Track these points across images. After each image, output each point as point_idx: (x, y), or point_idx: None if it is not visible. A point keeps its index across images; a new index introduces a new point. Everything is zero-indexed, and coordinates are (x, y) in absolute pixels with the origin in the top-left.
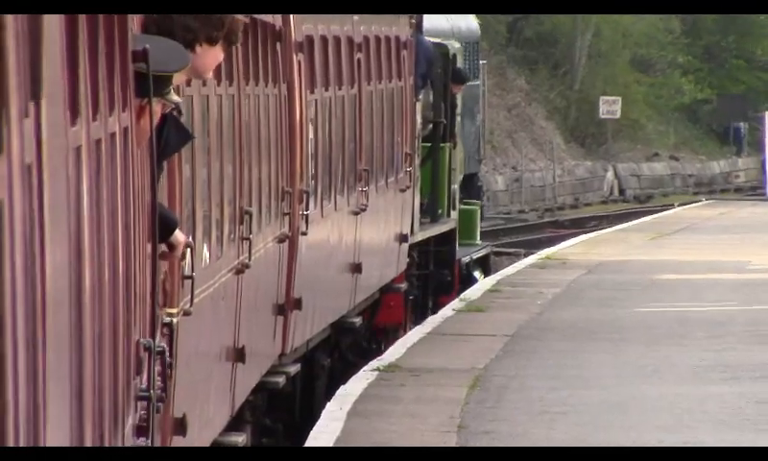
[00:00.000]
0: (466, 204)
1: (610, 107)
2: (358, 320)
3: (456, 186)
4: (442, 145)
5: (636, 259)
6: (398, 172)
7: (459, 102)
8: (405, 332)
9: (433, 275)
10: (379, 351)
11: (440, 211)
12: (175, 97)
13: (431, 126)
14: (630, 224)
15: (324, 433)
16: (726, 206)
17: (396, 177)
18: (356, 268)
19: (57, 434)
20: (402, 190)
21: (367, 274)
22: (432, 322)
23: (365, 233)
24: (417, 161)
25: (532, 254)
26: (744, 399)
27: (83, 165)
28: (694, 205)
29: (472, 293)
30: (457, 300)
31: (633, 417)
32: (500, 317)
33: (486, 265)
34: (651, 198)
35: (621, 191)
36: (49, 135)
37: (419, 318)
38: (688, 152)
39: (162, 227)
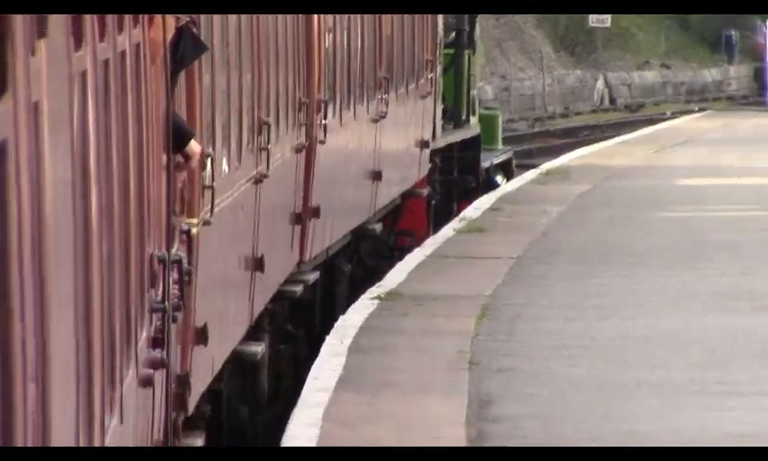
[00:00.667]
0: (486, 108)
1: (599, 15)
2: (378, 226)
3: (475, 92)
4: (462, 52)
5: (643, 172)
6: (420, 79)
7: None
8: (430, 236)
9: (456, 180)
10: (402, 258)
11: (460, 117)
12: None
13: (453, 33)
14: (631, 136)
15: (325, 371)
16: (726, 117)
17: (416, 83)
18: (376, 175)
19: (62, 356)
20: (423, 97)
21: (387, 180)
22: (433, 243)
23: (385, 141)
24: (438, 69)
25: (527, 165)
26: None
27: (88, 88)
28: (693, 116)
29: (473, 212)
30: (456, 219)
31: (658, 353)
32: (503, 238)
33: (508, 170)
34: (642, 107)
35: (612, 100)
36: (51, 65)
37: (443, 223)
38: (679, 60)
39: (178, 137)
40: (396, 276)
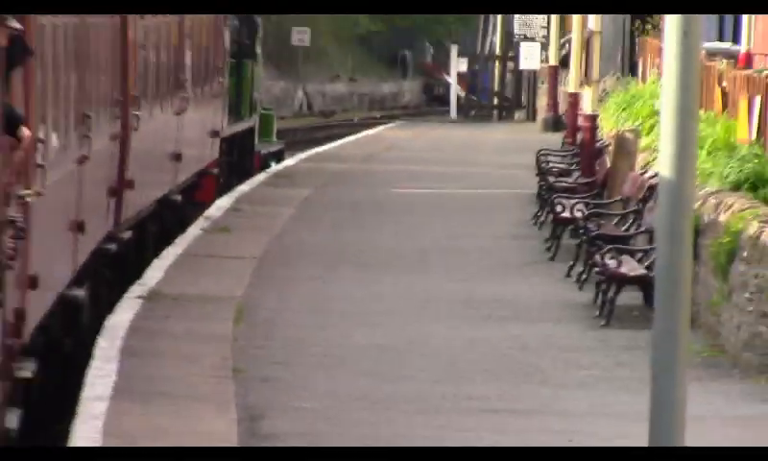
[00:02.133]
0: (265, 109)
1: (300, 36)
2: (179, 197)
3: (257, 94)
4: (244, 61)
5: (361, 177)
6: (212, 82)
7: (260, 29)
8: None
9: (236, 163)
10: (196, 219)
11: (243, 113)
12: (16, 24)
13: (236, 46)
14: (340, 143)
15: (100, 377)
16: (418, 127)
17: (210, 85)
18: (177, 157)
19: None
20: (215, 96)
21: (186, 161)
22: (182, 242)
23: (185, 130)
24: (226, 74)
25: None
26: (507, 343)
27: None
28: (388, 126)
29: (215, 210)
30: (202, 217)
31: (409, 364)
32: (246, 238)
33: (281, 158)
34: (334, 113)
35: (309, 106)
36: None
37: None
38: (364, 75)
39: (10, 123)
40: (153, 273)
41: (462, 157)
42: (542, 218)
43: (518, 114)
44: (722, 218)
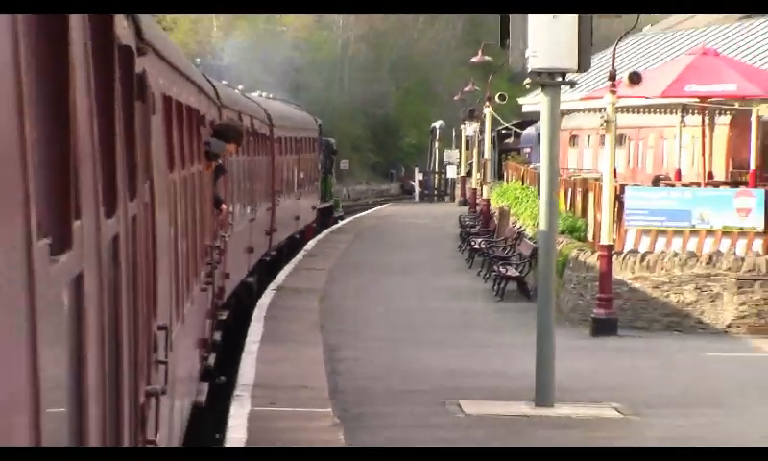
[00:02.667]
0: (335, 196)
1: (344, 164)
2: (297, 236)
3: (333, 189)
4: (327, 175)
5: (377, 225)
6: (313, 184)
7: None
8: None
9: (323, 221)
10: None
11: (326, 198)
12: (219, 161)
13: (321, 167)
14: (365, 213)
15: (255, 330)
16: (399, 205)
17: (312, 185)
18: (297, 218)
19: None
20: (313, 191)
21: (301, 220)
22: (294, 260)
23: (300, 206)
24: (319, 180)
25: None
26: (450, 310)
27: (178, 190)
28: (386, 205)
29: (311, 245)
30: (304, 249)
31: (405, 321)
32: (323, 259)
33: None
34: (359, 199)
35: (349, 196)
36: (158, 179)
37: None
38: (373, 181)
39: (217, 203)
40: (282, 276)
41: (421, 215)
42: (463, 247)
43: (447, 198)
44: (559, 247)
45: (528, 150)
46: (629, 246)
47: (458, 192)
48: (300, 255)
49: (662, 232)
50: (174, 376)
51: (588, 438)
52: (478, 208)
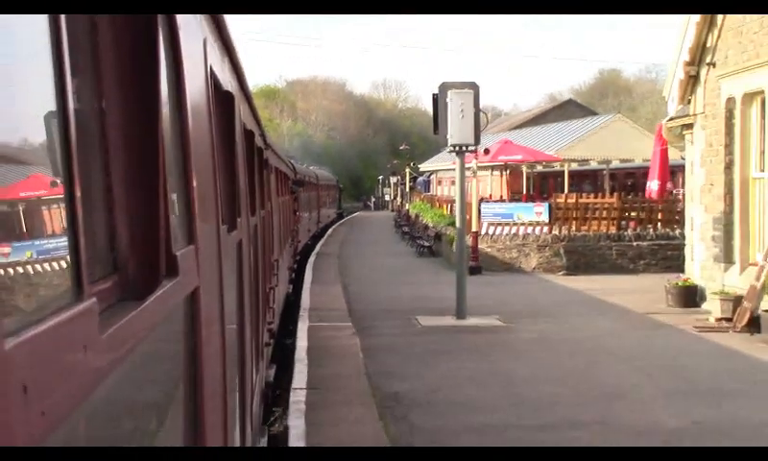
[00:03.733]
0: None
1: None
2: (329, 224)
3: (342, 205)
4: (341, 196)
5: (356, 219)
6: (334, 203)
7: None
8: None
9: (337, 220)
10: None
11: (340, 208)
12: (295, 195)
13: (337, 196)
14: (349, 216)
15: (308, 274)
16: (363, 213)
17: (333, 203)
18: (328, 216)
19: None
20: (332, 207)
21: (330, 217)
22: (323, 241)
23: (329, 212)
24: (336, 199)
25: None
26: (394, 265)
27: (258, 231)
28: (356, 213)
29: (330, 232)
30: (326, 234)
31: (374, 271)
32: (335, 239)
33: (344, 217)
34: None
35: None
36: (273, 202)
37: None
38: (349, 204)
39: (294, 211)
40: (319, 247)
41: (375, 216)
42: (398, 231)
43: (385, 209)
44: (448, 232)
45: (420, 186)
46: (483, 231)
47: (390, 207)
48: (329, 232)
49: (500, 224)
50: (279, 278)
51: (491, 337)
52: (402, 214)
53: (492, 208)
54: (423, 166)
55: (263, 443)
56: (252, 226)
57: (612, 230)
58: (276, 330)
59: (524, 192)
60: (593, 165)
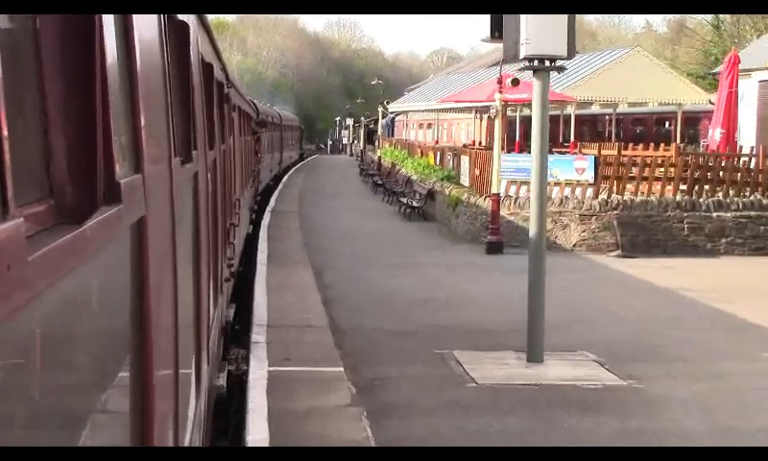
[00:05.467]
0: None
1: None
2: (290, 165)
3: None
4: (302, 138)
5: (317, 161)
6: (295, 144)
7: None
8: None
9: (299, 161)
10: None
11: (301, 150)
12: (257, 135)
13: (299, 138)
14: (310, 158)
15: (262, 252)
16: (320, 155)
17: (294, 145)
18: (290, 157)
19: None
20: (295, 148)
21: (292, 158)
22: (281, 186)
23: (291, 154)
24: (297, 141)
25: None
26: (376, 228)
27: (217, 165)
28: (314, 156)
29: (292, 172)
30: (287, 175)
31: (352, 235)
32: (295, 183)
33: (304, 158)
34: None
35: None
36: (235, 139)
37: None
38: (309, 144)
39: (256, 153)
40: (273, 201)
41: (334, 159)
42: (366, 181)
43: (343, 154)
44: (447, 191)
45: (384, 129)
46: (503, 192)
47: (348, 150)
48: (290, 172)
49: (525, 183)
50: (241, 217)
51: (614, 422)
52: (370, 161)
53: (513, 162)
54: (392, 107)
55: (222, 379)
56: (211, 160)
57: (669, 194)
58: (236, 271)
59: (516, 140)
60: (594, 109)
